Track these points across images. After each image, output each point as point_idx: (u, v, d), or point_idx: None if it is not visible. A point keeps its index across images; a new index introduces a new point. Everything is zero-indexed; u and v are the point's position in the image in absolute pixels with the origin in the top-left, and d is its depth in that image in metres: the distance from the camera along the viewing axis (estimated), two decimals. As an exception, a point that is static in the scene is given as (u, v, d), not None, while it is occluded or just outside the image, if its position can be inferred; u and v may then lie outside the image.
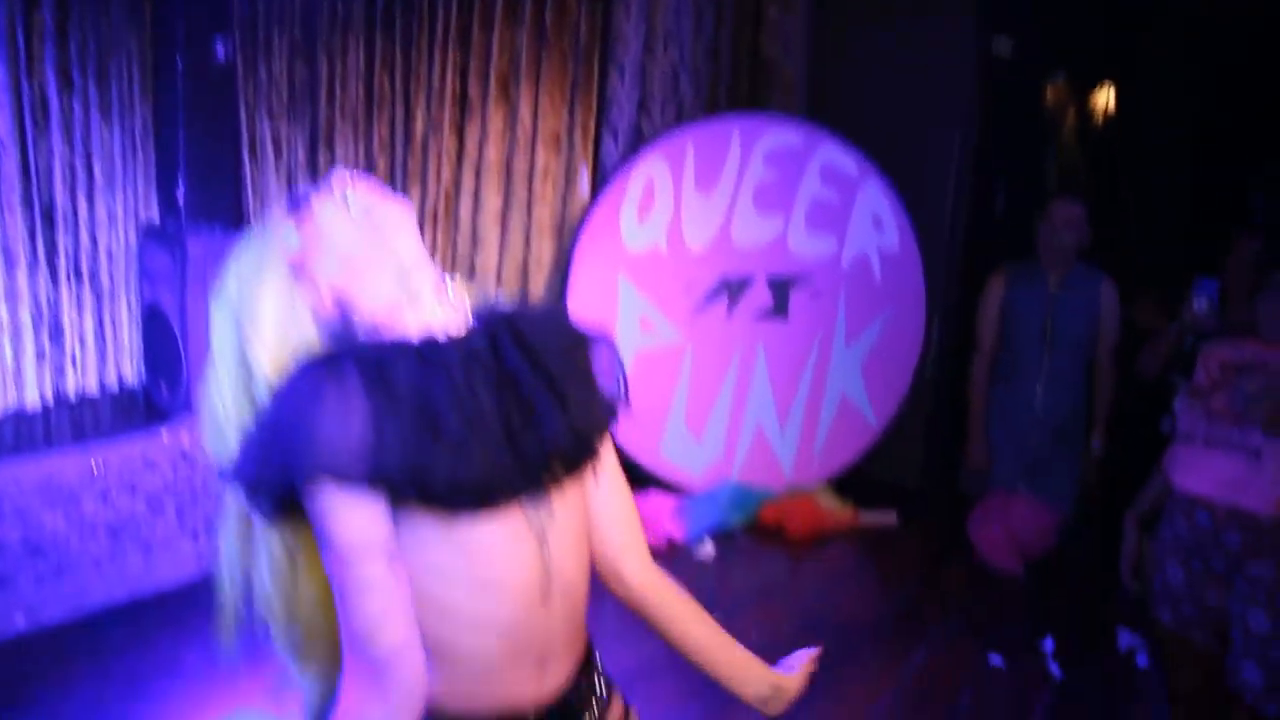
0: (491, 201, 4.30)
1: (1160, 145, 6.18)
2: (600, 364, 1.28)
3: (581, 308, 4.23)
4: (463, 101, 4.18)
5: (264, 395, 1.15)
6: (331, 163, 3.86)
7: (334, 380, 1.08)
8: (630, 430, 4.28)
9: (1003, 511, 4.03)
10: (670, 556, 3.92)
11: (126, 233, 3.83)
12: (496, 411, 1.13)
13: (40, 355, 3.62)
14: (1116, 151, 6.39)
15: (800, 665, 1.43)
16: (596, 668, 1.33)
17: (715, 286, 4.42)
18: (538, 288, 4.46)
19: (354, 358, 1.10)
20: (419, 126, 4.05)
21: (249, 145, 3.78)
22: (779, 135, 4.44)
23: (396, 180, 4.06)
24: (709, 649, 1.39)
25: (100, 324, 3.82)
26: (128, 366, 3.93)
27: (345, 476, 1.06)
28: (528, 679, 1.19)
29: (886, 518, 4.47)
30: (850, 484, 4.56)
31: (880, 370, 4.57)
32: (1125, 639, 3.38)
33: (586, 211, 4.38)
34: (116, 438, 3.40)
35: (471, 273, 4.29)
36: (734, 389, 4.51)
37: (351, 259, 1.19)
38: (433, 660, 1.13)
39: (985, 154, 4.89)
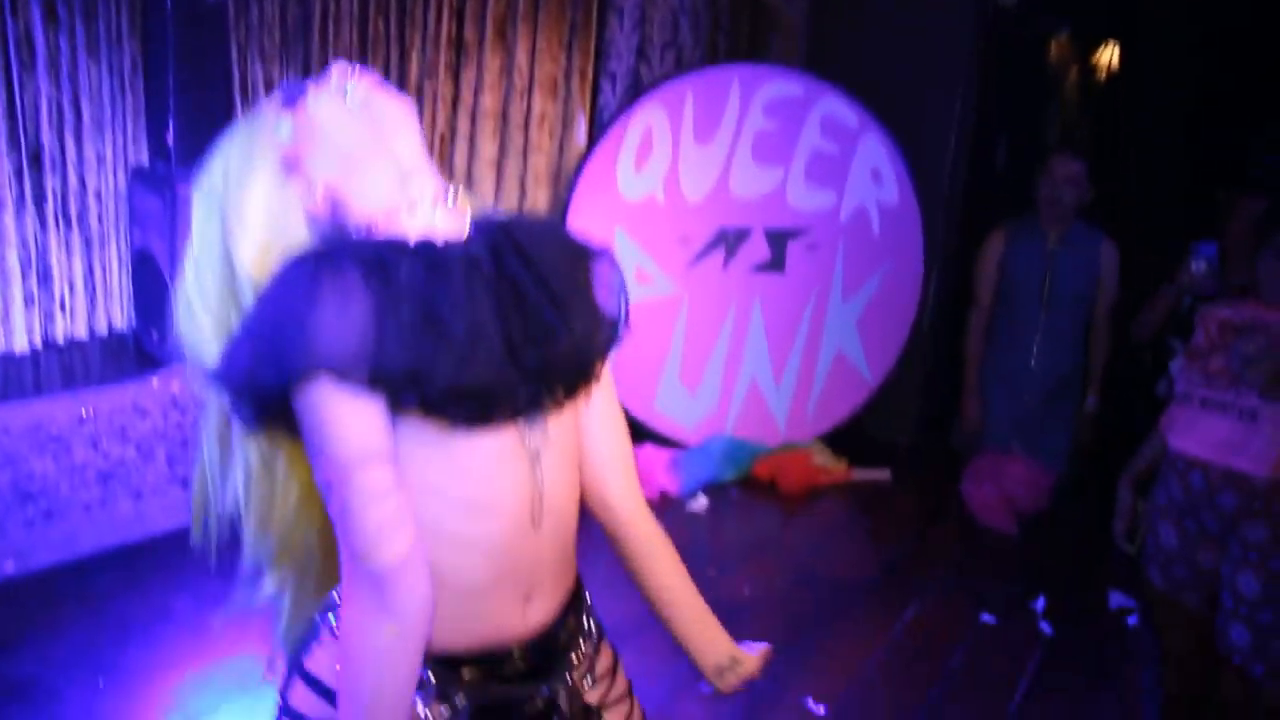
0: (487, 148, 4.24)
1: (1161, 105, 6.13)
2: (601, 281, 1.23)
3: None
4: (458, 45, 4.10)
5: (248, 295, 1.09)
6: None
7: (331, 272, 1.00)
8: (624, 382, 4.26)
9: (996, 471, 4.04)
10: (663, 510, 3.92)
11: (116, 175, 3.77)
12: (498, 323, 1.07)
13: (29, 300, 3.58)
14: (1119, 109, 6.34)
15: (758, 651, 1.37)
16: (586, 607, 1.30)
17: (712, 238, 4.38)
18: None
19: (351, 252, 1.04)
20: (413, 70, 3.97)
21: (240, 87, 3.71)
22: (779, 85, 4.37)
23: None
24: (678, 601, 1.34)
25: (90, 269, 3.77)
26: (118, 312, 3.89)
27: (346, 374, 0.99)
28: (512, 610, 1.15)
29: (880, 474, 4.48)
30: (843, 440, 4.56)
31: (877, 326, 4.56)
32: (1116, 600, 3.40)
33: (583, 160, 4.32)
34: (107, 384, 3.37)
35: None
36: (729, 342, 4.48)
37: (348, 156, 1.12)
38: None
39: (987, 108, 4.84)
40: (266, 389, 1.01)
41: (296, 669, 1.18)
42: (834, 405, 4.60)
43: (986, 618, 3.25)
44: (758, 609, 3.19)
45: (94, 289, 3.80)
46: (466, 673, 1.14)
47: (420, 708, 1.12)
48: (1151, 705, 2.68)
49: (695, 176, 4.32)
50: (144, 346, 3.72)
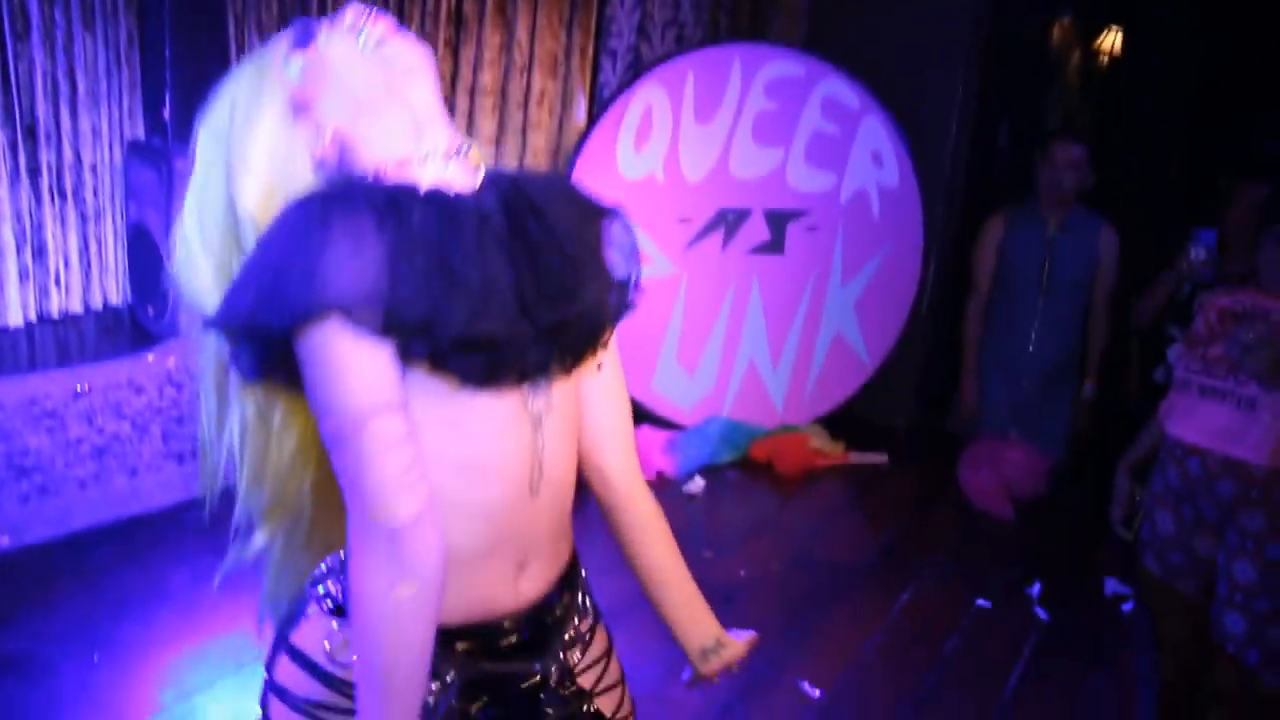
0: (485, 126, 4.21)
1: (1162, 91, 6.10)
2: (613, 242, 1.19)
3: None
4: (458, 21, 4.07)
5: (250, 239, 1.05)
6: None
7: (343, 211, 0.95)
8: (622, 362, 4.25)
9: (994, 456, 4.04)
10: (659, 491, 3.90)
11: (111, 149, 3.74)
12: (511, 280, 1.03)
13: (24, 275, 3.56)
14: (1120, 94, 6.31)
15: (744, 638, 1.34)
16: (581, 584, 1.28)
17: (712, 219, 4.36)
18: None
19: (362, 194, 0.99)
20: (412, 46, 3.94)
21: (238, 60, 3.68)
22: (781, 65, 4.34)
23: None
24: (669, 580, 1.31)
25: (85, 243, 3.75)
26: (113, 287, 3.87)
27: (358, 316, 0.94)
28: (506, 578, 1.12)
29: (877, 458, 4.48)
30: (841, 423, 4.56)
31: (876, 309, 4.55)
32: (1112, 586, 3.41)
33: (582, 138, 4.29)
34: (102, 360, 3.36)
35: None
36: (727, 324, 4.47)
37: (360, 101, 1.08)
38: None
39: (988, 92, 4.81)
40: (268, 333, 0.96)
41: (282, 643, 1.15)
42: (832, 388, 4.59)
43: (982, 602, 3.26)
44: (754, 591, 3.19)
45: (89, 263, 3.77)
46: (459, 646, 1.11)
47: None
48: (1146, 691, 2.69)
49: (695, 156, 4.29)
50: (139, 322, 3.70)
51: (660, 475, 4.06)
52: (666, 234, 4.32)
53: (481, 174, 1.12)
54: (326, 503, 1.17)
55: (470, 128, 4.18)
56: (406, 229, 0.97)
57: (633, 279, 1.20)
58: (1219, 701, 2.30)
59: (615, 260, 1.18)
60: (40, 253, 3.61)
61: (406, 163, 1.07)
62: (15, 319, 3.54)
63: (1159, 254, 3.69)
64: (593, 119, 4.41)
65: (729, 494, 4.09)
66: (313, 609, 1.13)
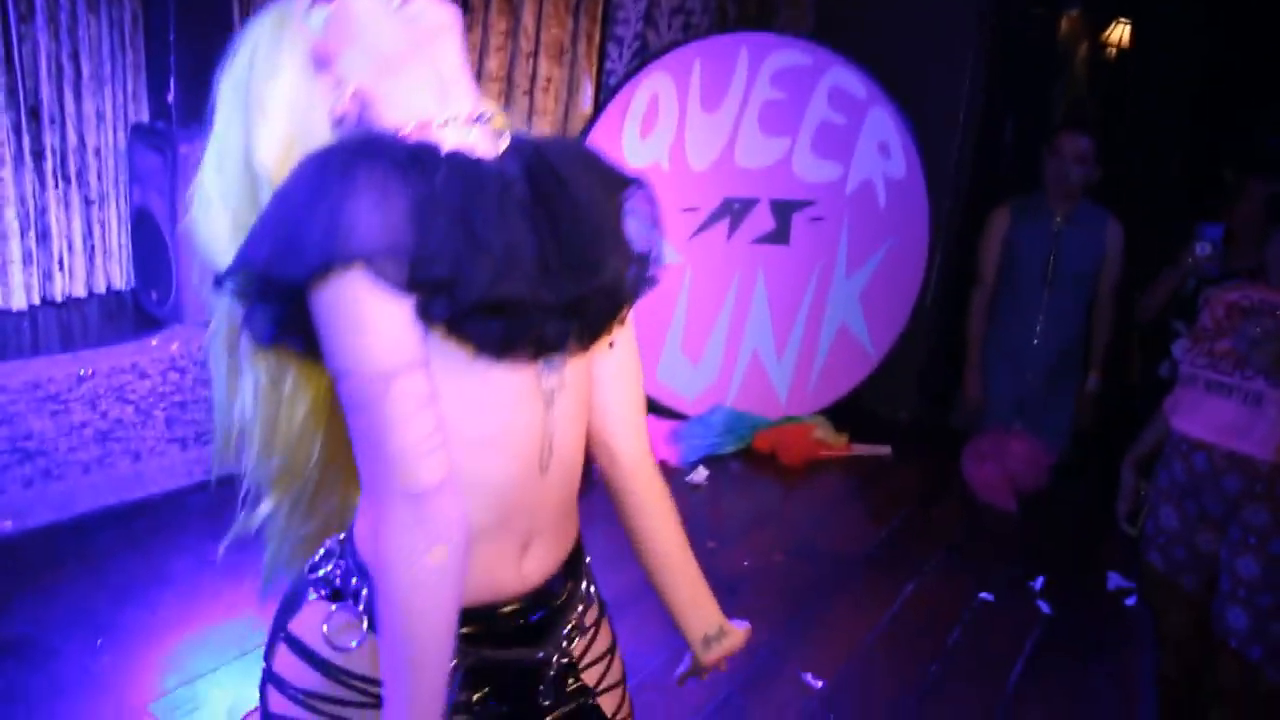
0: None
1: (1168, 85, 6.08)
2: (635, 213, 1.15)
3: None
4: (464, 6, 4.05)
5: (266, 194, 1.01)
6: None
7: (367, 161, 0.92)
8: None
9: (997, 448, 4.04)
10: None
11: (115, 133, 3.73)
12: (533, 248, 0.99)
13: (27, 259, 3.55)
14: (1127, 87, 6.29)
15: (742, 628, 1.32)
16: (586, 572, 1.24)
17: (717, 208, 4.34)
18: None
19: (385, 147, 0.95)
20: (418, 32, 3.92)
21: (242, 45, 3.66)
22: (788, 54, 4.32)
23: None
24: (674, 565, 1.28)
25: (88, 227, 3.74)
26: (116, 272, 3.87)
27: (383, 268, 0.90)
28: (509, 558, 1.09)
29: (881, 450, 4.47)
30: (844, 415, 4.55)
31: (881, 300, 4.54)
32: (1115, 581, 3.40)
33: (588, 125, 4.28)
34: (106, 344, 3.36)
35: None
36: (732, 314, 4.46)
37: (383, 59, 1.03)
38: None
39: (995, 84, 4.79)
40: (285, 286, 0.93)
41: (280, 633, 1.12)
42: (836, 379, 4.58)
43: (985, 595, 3.26)
44: (756, 581, 3.19)
45: (93, 248, 3.77)
46: (462, 630, 1.05)
47: None
48: (1148, 686, 2.69)
49: (701, 145, 4.28)
50: (143, 306, 3.70)
51: (664, 465, 4.06)
52: (671, 223, 4.30)
53: (506, 141, 1.08)
54: (334, 471, 1.16)
55: (475, 114, 4.16)
56: (429, 187, 0.94)
57: (654, 252, 1.16)
58: (1221, 698, 2.30)
59: (636, 232, 1.15)
60: (44, 237, 3.60)
61: (428, 125, 1.04)
62: (19, 302, 3.53)
63: (1163, 248, 3.68)
64: (599, 106, 4.39)
65: (732, 484, 4.09)
66: (311, 595, 1.11)
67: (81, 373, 3.16)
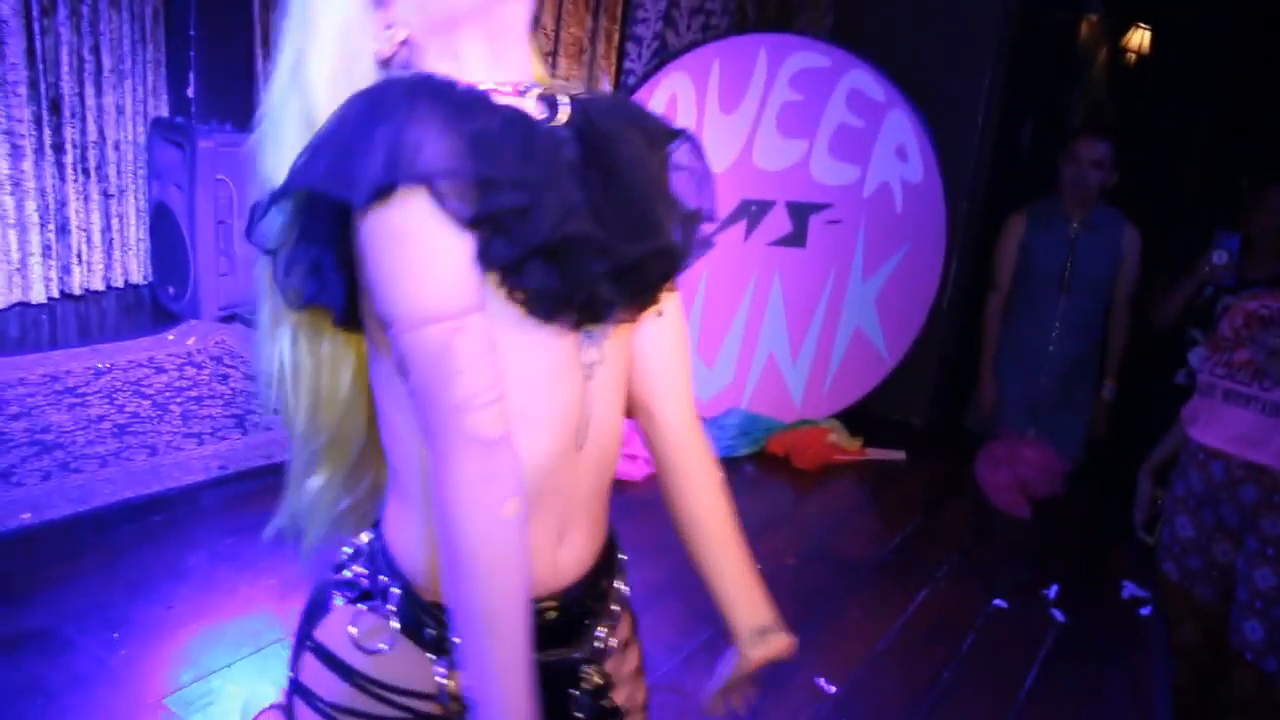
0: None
1: (1186, 91, 6.05)
2: (681, 167, 1.09)
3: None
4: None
5: (318, 117, 0.94)
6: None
7: (428, 94, 0.87)
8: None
9: (1011, 454, 4.03)
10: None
11: (135, 127, 3.76)
12: (588, 207, 0.94)
13: (46, 251, 3.58)
14: (1145, 93, 6.26)
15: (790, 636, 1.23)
16: (620, 570, 1.17)
17: (734, 210, 4.34)
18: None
19: (442, 85, 0.90)
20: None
21: (262, 41, 3.68)
22: (807, 56, 4.32)
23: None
24: (721, 543, 1.19)
25: (107, 221, 3.76)
26: (134, 266, 3.89)
27: (448, 192, 0.85)
28: (544, 547, 1.02)
29: (895, 455, 4.47)
30: (858, 419, 4.54)
31: (897, 304, 4.52)
32: (1129, 589, 3.39)
33: (606, 126, 4.28)
34: (123, 338, 3.37)
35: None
36: (748, 316, 4.46)
37: (439, 14, 0.98)
38: (429, 516, 0.95)
39: (1014, 87, 4.77)
40: (337, 208, 0.87)
41: (306, 640, 1.07)
42: (850, 383, 4.57)
43: (998, 602, 3.25)
44: (769, 585, 3.15)
45: (111, 241, 3.79)
46: None
47: (441, 676, 1.01)
48: (1163, 696, 2.68)
49: (718, 146, 4.28)
50: (160, 301, 3.72)
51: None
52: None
53: (564, 115, 1.01)
54: (372, 443, 1.10)
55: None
56: (486, 127, 0.90)
57: (707, 210, 1.10)
58: (1237, 709, 2.28)
59: (684, 188, 1.09)
60: (63, 230, 3.62)
61: (477, 84, 0.97)
62: (38, 295, 3.55)
63: (1180, 255, 3.67)
64: (617, 106, 4.39)
65: (745, 487, 4.08)
66: (337, 599, 1.06)
67: (100, 366, 3.17)
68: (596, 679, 1.10)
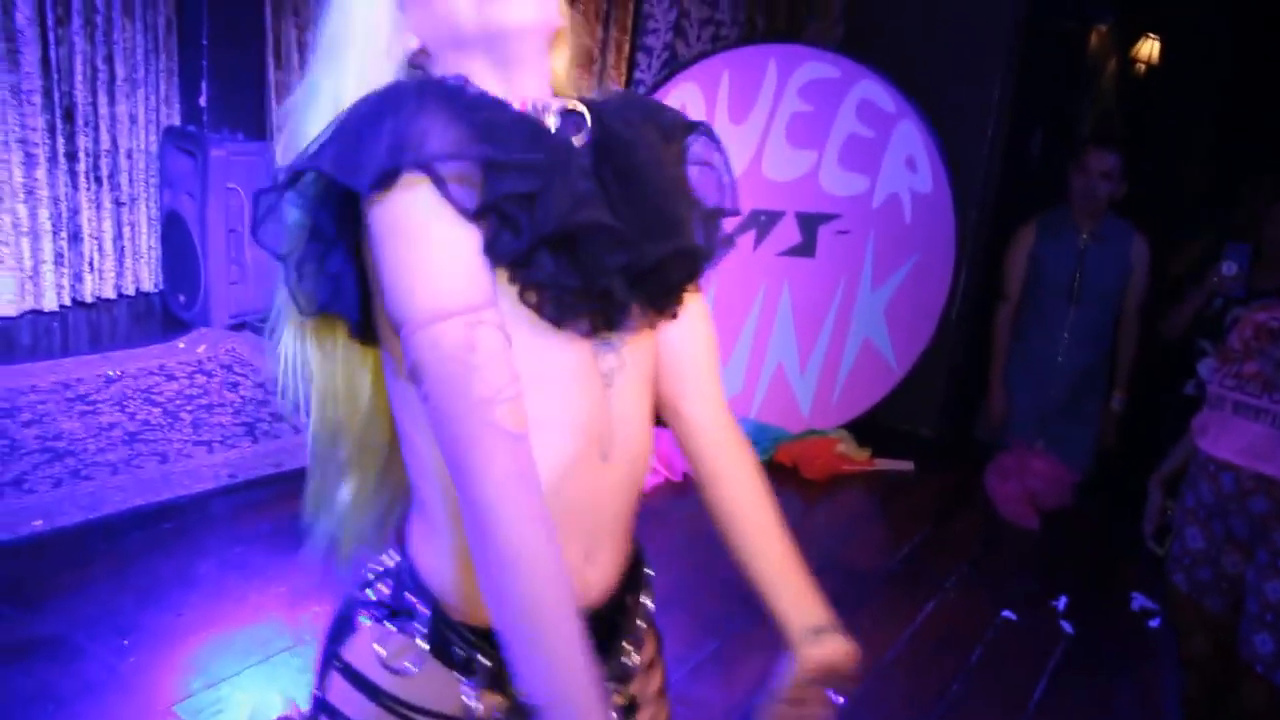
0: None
1: (1196, 103, 6.05)
2: (698, 162, 1.07)
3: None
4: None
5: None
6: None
7: (438, 91, 0.88)
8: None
9: (1020, 466, 4.02)
10: (684, 492, 3.92)
11: (147, 136, 3.78)
12: (600, 201, 0.93)
13: (59, 259, 3.60)
14: (1154, 103, 6.26)
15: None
16: (647, 585, 1.14)
17: (744, 219, 4.35)
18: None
19: (454, 86, 0.91)
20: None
21: (274, 51, 3.70)
22: (817, 66, 4.33)
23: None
24: (757, 541, 1.13)
25: (119, 229, 3.78)
26: (145, 274, 3.91)
27: (453, 180, 0.84)
28: (572, 566, 0.95)
29: (903, 465, 4.46)
30: (866, 429, 4.54)
31: (906, 315, 4.52)
32: (1139, 601, 3.38)
33: (615, 136, 4.30)
34: (134, 346, 3.39)
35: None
36: (756, 326, 4.46)
37: (448, 33, 0.97)
38: (455, 534, 0.93)
39: (1023, 98, 4.78)
40: (344, 194, 0.87)
41: (332, 660, 1.04)
42: (859, 393, 4.57)
43: (1007, 614, 3.24)
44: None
45: (122, 249, 3.81)
46: None
47: (470, 698, 0.98)
48: (1172, 708, 2.67)
49: (729, 156, 4.28)
50: (171, 309, 3.74)
51: (686, 476, 4.05)
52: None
53: (581, 139, 0.99)
54: (395, 447, 1.07)
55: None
56: (496, 126, 0.89)
57: (728, 205, 1.08)
58: (1246, 721, 2.28)
59: (703, 184, 1.07)
60: (75, 238, 3.64)
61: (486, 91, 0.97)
62: (50, 303, 3.58)
63: (1190, 266, 3.66)
64: (626, 116, 4.41)
65: (753, 497, 4.07)
66: (363, 619, 1.04)
67: (111, 374, 3.19)
68: (620, 701, 1.07)
